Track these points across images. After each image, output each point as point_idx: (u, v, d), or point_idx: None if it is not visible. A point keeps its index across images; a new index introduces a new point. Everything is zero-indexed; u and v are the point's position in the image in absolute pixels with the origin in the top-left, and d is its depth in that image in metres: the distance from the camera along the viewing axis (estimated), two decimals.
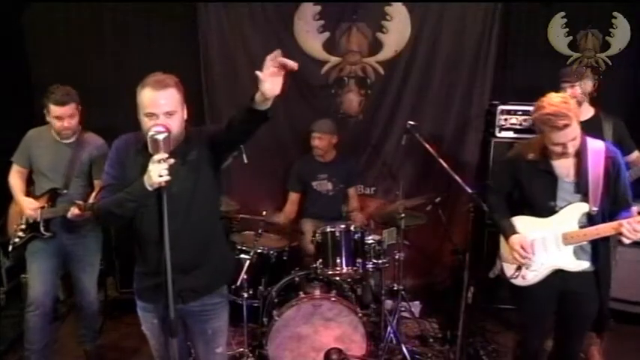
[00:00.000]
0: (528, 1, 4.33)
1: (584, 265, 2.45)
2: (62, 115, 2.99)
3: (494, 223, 2.72)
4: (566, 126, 2.30)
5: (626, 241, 2.35)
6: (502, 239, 2.66)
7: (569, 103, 2.35)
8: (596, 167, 2.39)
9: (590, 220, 2.43)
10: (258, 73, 1.82)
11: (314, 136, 4.00)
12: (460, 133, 4.47)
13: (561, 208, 2.46)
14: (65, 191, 3.10)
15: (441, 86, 4.41)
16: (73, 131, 3.10)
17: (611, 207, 2.43)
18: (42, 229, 3.08)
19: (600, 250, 2.46)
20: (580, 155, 2.42)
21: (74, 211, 3.00)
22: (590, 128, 2.77)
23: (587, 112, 3.32)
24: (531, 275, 2.54)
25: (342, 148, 4.24)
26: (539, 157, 2.48)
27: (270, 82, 1.81)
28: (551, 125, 2.32)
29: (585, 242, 2.45)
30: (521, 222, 2.57)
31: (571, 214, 2.44)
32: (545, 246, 2.50)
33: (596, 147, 2.43)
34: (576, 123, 2.33)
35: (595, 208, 2.38)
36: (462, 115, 4.44)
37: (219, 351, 2.42)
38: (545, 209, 2.49)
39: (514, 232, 2.56)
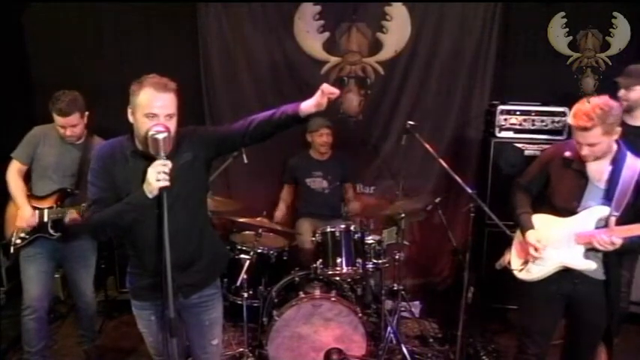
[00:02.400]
0: (528, 1, 4.33)
1: (591, 265, 2.42)
2: (65, 125, 2.98)
3: (514, 219, 2.67)
4: (584, 128, 2.28)
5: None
6: (518, 231, 2.66)
7: (607, 111, 2.27)
8: (628, 179, 2.35)
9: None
10: (321, 94, 2.08)
11: (322, 133, 3.98)
12: (460, 133, 4.47)
13: (583, 209, 2.43)
14: (77, 191, 3.08)
15: (441, 86, 4.41)
16: (78, 137, 3.08)
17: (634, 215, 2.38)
18: (50, 230, 3.06)
19: (611, 260, 2.44)
20: (615, 164, 2.39)
21: (72, 216, 2.99)
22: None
23: None
24: (536, 270, 2.52)
25: (342, 148, 4.24)
26: (576, 156, 2.45)
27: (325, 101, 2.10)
28: (573, 121, 2.33)
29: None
30: (540, 219, 2.56)
31: (590, 216, 2.41)
32: (557, 243, 2.47)
33: (633, 162, 2.39)
34: (599, 132, 2.28)
35: (616, 213, 2.34)
36: (461, 115, 4.44)
37: (215, 343, 2.45)
38: (567, 209, 2.46)
39: (532, 227, 2.55)
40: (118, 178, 2.14)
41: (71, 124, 2.99)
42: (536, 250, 2.49)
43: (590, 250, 2.43)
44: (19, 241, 3.08)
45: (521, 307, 2.78)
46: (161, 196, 2.01)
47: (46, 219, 3.05)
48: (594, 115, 2.26)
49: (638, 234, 2.29)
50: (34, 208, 3.06)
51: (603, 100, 2.34)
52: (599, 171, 2.42)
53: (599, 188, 2.42)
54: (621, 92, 3.11)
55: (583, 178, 2.43)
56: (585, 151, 2.34)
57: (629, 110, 3.10)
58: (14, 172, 3.11)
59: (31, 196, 3.11)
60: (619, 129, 2.35)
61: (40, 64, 4.36)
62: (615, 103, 2.36)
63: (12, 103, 4.16)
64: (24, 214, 3.02)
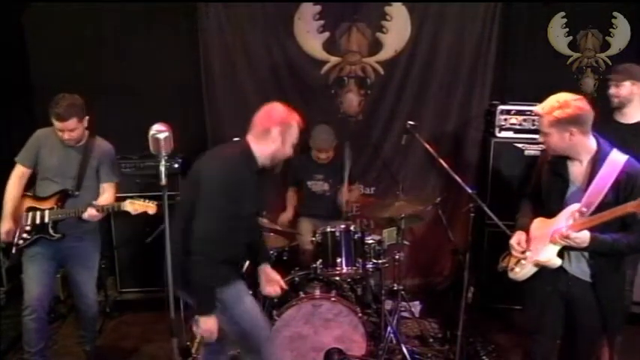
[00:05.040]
0: (528, 1, 4.33)
1: (556, 261, 2.44)
2: (63, 129, 2.99)
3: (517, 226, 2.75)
4: (538, 114, 2.43)
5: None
6: None
7: (560, 105, 2.32)
8: (606, 177, 2.34)
9: None
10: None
11: (321, 149, 3.96)
12: (460, 133, 4.47)
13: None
14: (77, 193, 3.09)
15: (441, 86, 4.42)
16: (77, 141, 3.08)
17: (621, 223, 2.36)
18: (51, 230, 3.06)
19: (597, 262, 2.43)
20: (594, 164, 2.40)
21: (91, 211, 3.00)
22: (636, 133, 2.75)
23: (637, 114, 3.07)
24: (518, 269, 2.59)
25: (342, 148, 4.23)
26: (559, 158, 2.48)
27: None
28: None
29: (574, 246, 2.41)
30: (535, 223, 2.60)
31: (564, 215, 2.43)
32: (536, 243, 2.52)
33: (616, 159, 2.37)
34: (546, 121, 2.36)
35: (585, 209, 2.34)
36: (462, 115, 4.45)
37: None
38: (552, 211, 2.50)
39: (522, 230, 2.61)
40: (244, 194, 2.39)
41: (69, 129, 2.99)
42: (516, 250, 2.56)
43: (577, 251, 2.43)
44: (21, 241, 3.08)
45: (524, 309, 2.79)
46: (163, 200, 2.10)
47: (47, 220, 3.05)
48: (548, 106, 2.37)
49: (596, 224, 2.30)
50: (36, 209, 3.07)
51: (570, 96, 2.37)
52: (579, 172, 2.44)
53: (579, 189, 2.44)
54: (612, 90, 3.10)
55: (564, 180, 2.47)
56: (540, 138, 2.46)
57: (620, 107, 3.09)
58: (15, 178, 3.12)
59: (33, 197, 3.11)
60: (574, 129, 2.33)
61: (40, 64, 4.36)
62: (577, 105, 2.33)
63: (12, 103, 4.16)
64: (2, 227, 3.06)
